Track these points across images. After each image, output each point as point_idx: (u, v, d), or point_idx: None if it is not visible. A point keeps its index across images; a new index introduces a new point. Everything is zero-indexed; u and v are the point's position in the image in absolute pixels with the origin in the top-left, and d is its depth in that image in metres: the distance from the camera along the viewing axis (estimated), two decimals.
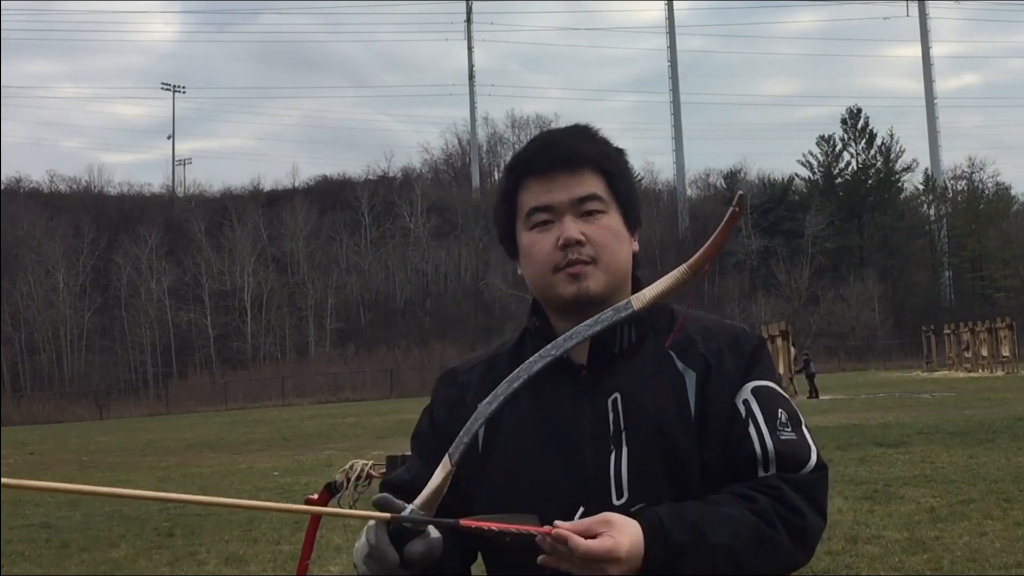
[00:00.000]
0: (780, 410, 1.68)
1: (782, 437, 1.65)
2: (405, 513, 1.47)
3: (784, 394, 1.73)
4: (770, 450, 1.64)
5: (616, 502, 1.62)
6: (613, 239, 1.71)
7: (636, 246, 1.79)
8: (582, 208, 1.71)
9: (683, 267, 1.50)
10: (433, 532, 1.51)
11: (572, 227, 1.69)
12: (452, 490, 1.64)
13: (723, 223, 1.45)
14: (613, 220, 1.73)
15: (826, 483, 1.67)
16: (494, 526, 1.51)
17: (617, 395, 1.68)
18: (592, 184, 1.73)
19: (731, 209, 1.44)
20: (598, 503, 1.61)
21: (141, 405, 57.27)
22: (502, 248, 1.86)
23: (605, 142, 1.79)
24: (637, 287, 1.76)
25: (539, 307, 1.80)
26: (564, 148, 1.74)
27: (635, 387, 1.68)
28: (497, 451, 1.73)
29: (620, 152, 1.81)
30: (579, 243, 1.69)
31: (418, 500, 1.49)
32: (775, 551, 1.58)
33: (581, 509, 1.61)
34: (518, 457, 1.70)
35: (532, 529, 1.52)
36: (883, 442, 14.28)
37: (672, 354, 1.72)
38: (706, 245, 1.48)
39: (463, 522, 1.51)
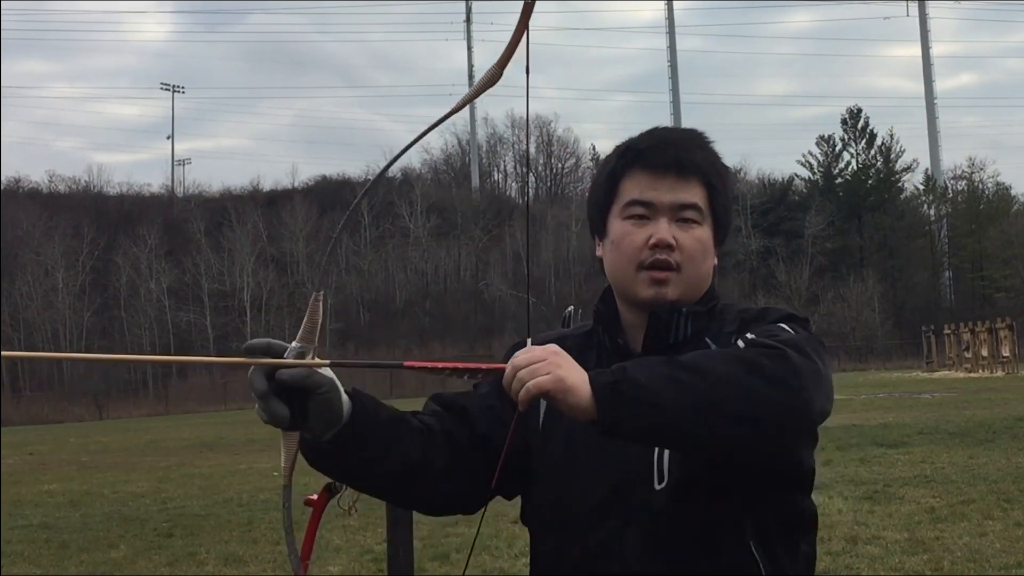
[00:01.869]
0: (771, 334, 1.61)
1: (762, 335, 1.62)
2: (289, 349, 1.51)
3: (790, 330, 1.65)
4: (750, 338, 1.61)
5: (657, 486, 1.65)
6: (701, 251, 1.75)
7: (716, 260, 1.82)
8: (680, 214, 1.74)
9: (493, 66, 1.53)
10: (323, 371, 1.53)
11: (666, 230, 1.72)
12: (510, 464, 1.75)
13: (520, 16, 1.50)
14: (705, 233, 1.76)
15: (818, 343, 1.60)
16: (440, 365, 1.55)
17: None
18: (695, 194, 1.75)
19: (524, 2, 1.49)
20: (639, 486, 1.66)
21: (141, 405, 57.23)
22: (588, 226, 1.88)
23: (716, 155, 1.82)
24: (712, 297, 1.80)
25: (609, 295, 1.84)
26: (678, 151, 1.76)
27: None
28: (555, 432, 1.77)
29: (727, 170, 1.84)
30: (670, 247, 1.71)
31: (298, 336, 1.53)
32: (757, 369, 1.48)
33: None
34: (573, 439, 1.74)
35: (483, 366, 1.57)
36: (883, 442, 14.28)
37: (708, 341, 1.74)
38: (508, 42, 1.52)
39: (407, 364, 1.56)
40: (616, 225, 1.77)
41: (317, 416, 1.55)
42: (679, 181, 1.74)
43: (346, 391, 1.61)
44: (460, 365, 1.57)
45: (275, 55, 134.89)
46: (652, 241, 1.71)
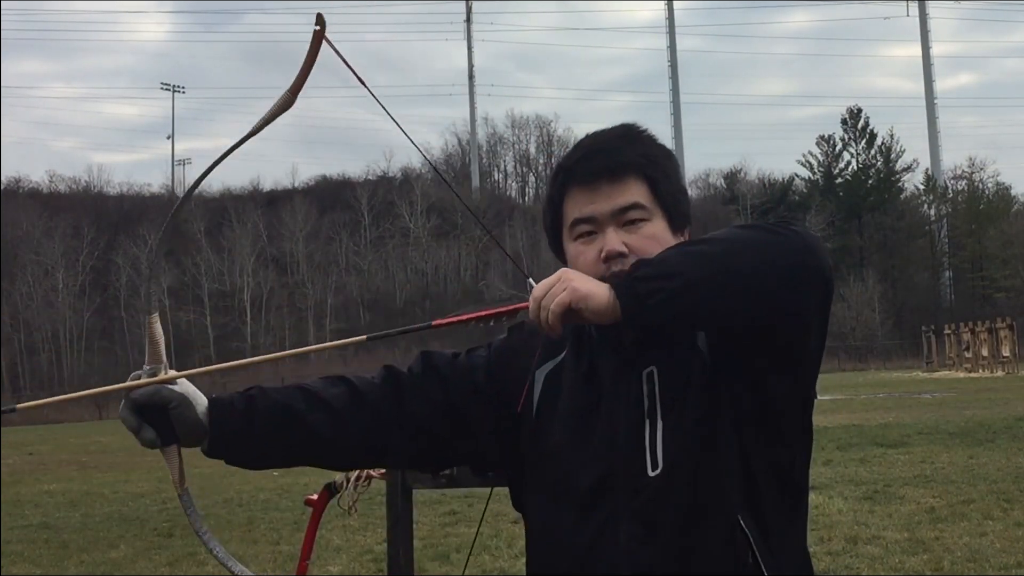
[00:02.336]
0: None
1: None
2: (136, 374, 1.67)
3: None
4: None
5: (651, 473, 1.64)
6: (656, 247, 1.70)
7: None
8: (624, 218, 1.71)
9: (286, 92, 1.61)
10: (176, 388, 1.67)
11: (614, 239, 1.70)
12: (510, 449, 1.80)
13: (310, 44, 1.59)
14: (657, 227, 1.73)
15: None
16: (466, 317, 1.64)
17: (653, 368, 1.70)
18: (634, 192, 1.72)
19: (313, 29, 1.56)
20: (632, 473, 1.66)
21: None
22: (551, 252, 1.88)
23: (651, 144, 1.78)
24: None
25: None
26: (605, 157, 1.73)
27: (671, 361, 1.70)
28: (549, 421, 1.78)
29: (667, 154, 1.79)
30: (621, 255, 1.69)
31: (146, 359, 1.68)
32: (761, 228, 1.57)
33: None
34: (568, 427, 1.74)
35: (506, 308, 1.64)
36: (883, 442, 14.28)
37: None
38: (299, 70, 1.60)
39: (435, 323, 1.66)
40: (570, 248, 1.77)
41: (180, 429, 1.70)
42: (614, 186, 1.72)
43: (210, 399, 1.73)
44: (484, 313, 1.63)
45: (272, 55, 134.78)
46: (603, 255, 1.69)
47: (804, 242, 1.55)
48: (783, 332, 1.59)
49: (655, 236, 1.71)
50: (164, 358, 1.67)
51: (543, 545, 1.77)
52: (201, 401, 1.72)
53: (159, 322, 1.66)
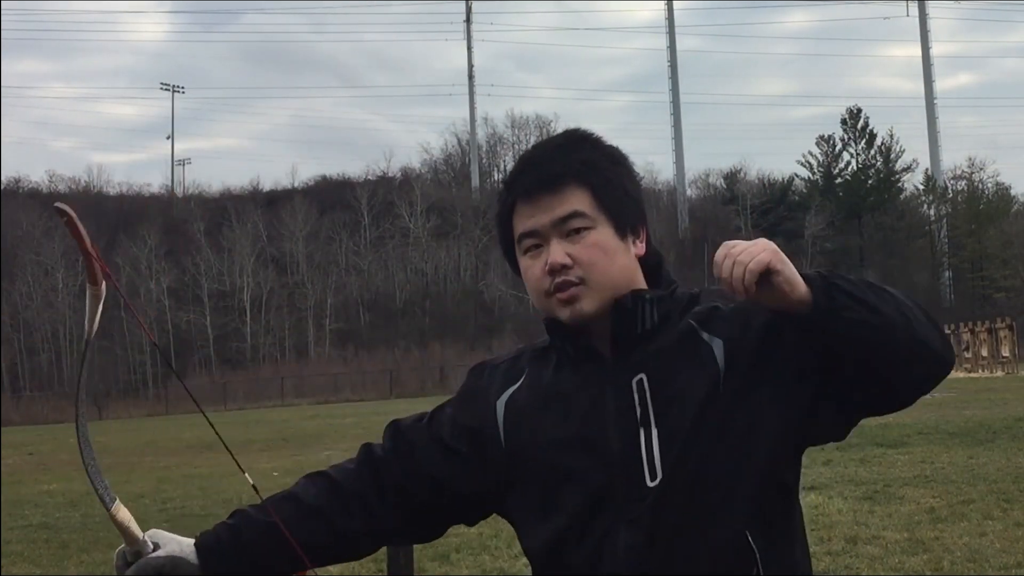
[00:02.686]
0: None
1: None
2: (120, 551, 1.78)
3: None
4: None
5: (650, 484, 1.62)
6: (601, 255, 1.69)
7: (641, 248, 1.75)
8: (566, 228, 1.69)
9: (90, 286, 1.65)
10: (160, 553, 1.74)
11: (557, 251, 1.68)
12: (488, 484, 1.78)
13: (72, 232, 1.63)
14: (601, 234, 1.70)
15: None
16: None
17: (642, 376, 1.67)
18: (574, 201, 1.70)
19: (62, 222, 1.60)
20: (630, 486, 1.63)
21: (140, 405, 57.22)
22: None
23: (593, 148, 1.76)
24: (669, 281, 1.77)
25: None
26: (540, 169, 1.72)
27: (661, 366, 1.67)
28: (523, 443, 1.74)
29: (612, 158, 1.76)
30: (565, 267, 1.67)
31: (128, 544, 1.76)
32: (929, 321, 1.64)
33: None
34: (550, 449, 1.71)
35: None
36: (883, 442, 14.28)
37: (694, 324, 1.71)
38: (82, 258, 1.63)
39: None
40: (520, 262, 1.76)
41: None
42: (553, 196, 1.70)
43: (196, 545, 1.78)
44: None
45: (271, 55, 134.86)
46: (547, 268, 1.68)
47: (946, 340, 1.66)
48: (897, 394, 1.67)
49: (599, 243, 1.69)
50: (140, 535, 1.76)
51: (543, 564, 1.74)
52: (189, 551, 1.77)
53: (122, 508, 1.75)
